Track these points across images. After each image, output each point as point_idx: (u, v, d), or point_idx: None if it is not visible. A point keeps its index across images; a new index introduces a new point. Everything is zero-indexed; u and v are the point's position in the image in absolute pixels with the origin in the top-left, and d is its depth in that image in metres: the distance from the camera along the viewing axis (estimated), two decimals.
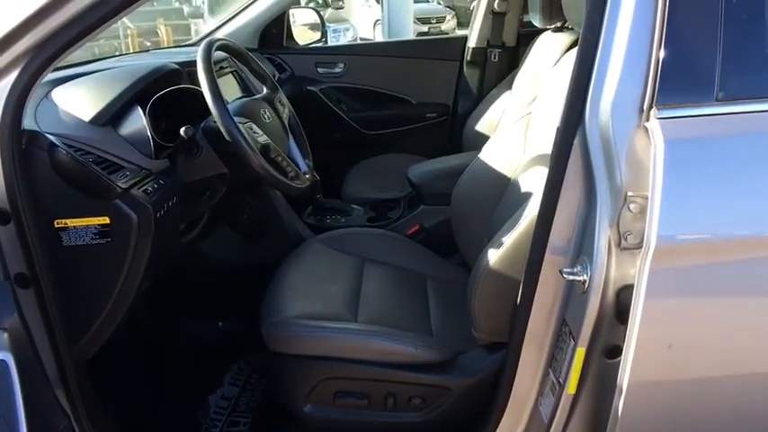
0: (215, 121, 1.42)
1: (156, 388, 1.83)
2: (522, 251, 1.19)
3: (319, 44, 3.27)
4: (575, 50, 1.06)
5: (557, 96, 1.53)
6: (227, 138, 1.41)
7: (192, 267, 2.05)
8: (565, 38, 2.13)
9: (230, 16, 2.83)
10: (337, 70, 3.06)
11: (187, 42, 3.04)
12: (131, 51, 6.20)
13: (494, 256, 1.32)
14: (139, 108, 1.42)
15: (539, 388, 1.24)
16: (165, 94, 1.52)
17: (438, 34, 10.14)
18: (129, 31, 9.05)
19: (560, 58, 1.98)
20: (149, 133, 1.40)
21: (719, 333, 1.02)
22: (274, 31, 2.91)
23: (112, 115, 1.38)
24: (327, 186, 2.47)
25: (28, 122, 1.19)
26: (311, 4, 7.52)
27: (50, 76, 1.42)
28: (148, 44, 8.96)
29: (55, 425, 1.17)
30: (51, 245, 1.19)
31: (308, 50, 3.12)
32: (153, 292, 1.66)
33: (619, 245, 0.99)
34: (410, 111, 3.07)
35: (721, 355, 1.03)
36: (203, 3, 8.82)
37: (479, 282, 1.35)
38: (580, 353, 1.07)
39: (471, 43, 2.97)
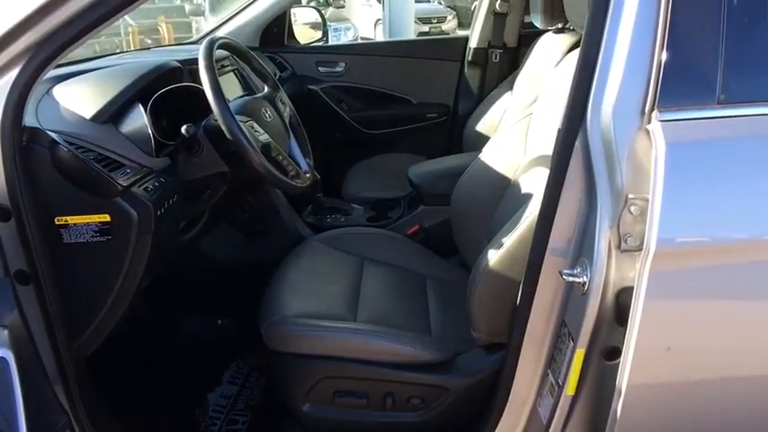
0: (216, 120, 1.42)
1: (156, 386, 1.83)
2: (521, 252, 1.20)
3: (320, 43, 3.27)
4: (576, 52, 1.06)
5: (558, 97, 1.53)
6: (228, 136, 1.41)
7: (192, 266, 2.05)
8: (566, 39, 2.13)
9: (232, 14, 2.83)
10: (338, 69, 3.05)
11: (188, 40, 3.04)
12: (132, 49, 6.20)
13: (493, 256, 1.32)
14: (141, 106, 1.42)
15: (537, 389, 1.24)
16: (167, 92, 1.52)
17: (439, 34, 10.14)
18: (130, 29, 9.05)
19: (562, 60, 1.98)
20: (150, 131, 1.40)
21: (719, 336, 1.02)
22: (275, 29, 2.91)
23: (114, 113, 1.38)
24: (328, 185, 2.47)
25: (29, 119, 1.19)
26: (312, 3, 7.52)
27: (52, 73, 1.41)
28: (149, 42, 8.96)
29: (54, 422, 1.17)
30: (52, 242, 1.19)
31: (309, 49, 3.12)
32: (153, 290, 1.66)
33: (619, 247, 0.99)
34: (411, 111, 3.07)
35: (720, 357, 1.03)
36: (205, 1, 8.81)
37: (479, 282, 1.35)
38: (579, 354, 1.07)
39: (472, 44, 2.97)
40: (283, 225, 2.19)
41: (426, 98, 3.07)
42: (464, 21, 10.80)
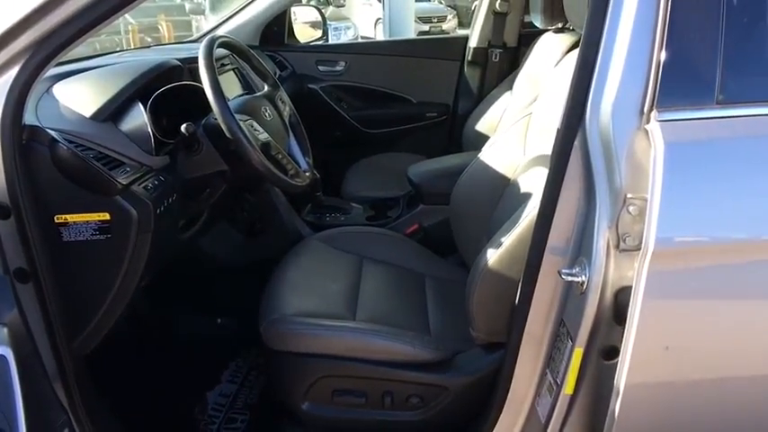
0: (216, 118, 1.42)
1: (155, 384, 1.83)
2: (520, 251, 1.20)
3: (320, 42, 3.27)
4: (576, 51, 1.06)
5: (557, 97, 1.53)
6: (227, 135, 1.41)
7: (192, 264, 2.05)
8: (566, 39, 2.13)
9: (232, 13, 2.83)
10: (338, 68, 3.06)
11: (188, 39, 3.04)
12: (132, 47, 6.20)
13: (492, 256, 1.32)
14: (140, 104, 1.42)
15: (536, 388, 1.24)
16: (167, 90, 1.52)
17: (439, 33, 10.14)
18: (130, 27, 9.04)
19: (561, 59, 1.98)
20: (150, 129, 1.40)
21: (717, 335, 1.02)
22: (276, 28, 2.91)
23: (113, 111, 1.38)
24: (327, 184, 2.47)
25: (29, 117, 1.19)
26: (312, 2, 7.51)
27: (52, 71, 1.41)
28: (149, 40, 8.95)
29: (54, 420, 1.17)
30: (51, 240, 1.19)
31: (309, 48, 3.12)
32: (152, 289, 1.66)
33: (617, 246, 0.99)
34: (410, 110, 3.07)
35: (719, 357, 1.04)
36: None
37: (478, 281, 1.35)
38: (578, 353, 1.07)
39: (472, 43, 2.97)
40: (283, 224, 2.19)
41: (426, 97, 3.07)
42: (464, 20, 10.79)
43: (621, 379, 1.01)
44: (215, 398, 1.90)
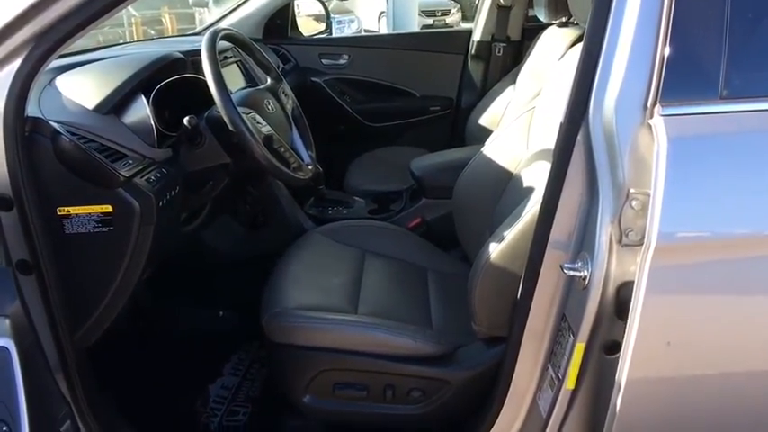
0: (218, 111, 1.42)
1: (157, 377, 1.84)
2: (523, 246, 1.19)
3: (324, 35, 3.26)
4: (579, 46, 1.06)
5: (561, 91, 1.52)
6: (230, 128, 1.41)
7: (194, 257, 2.05)
8: (570, 33, 2.12)
9: (235, 6, 2.83)
10: (341, 62, 3.05)
11: (192, 32, 3.03)
12: (135, 40, 6.19)
13: (495, 250, 1.32)
14: (143, 97, 1.42)
15: (537, 382, 1.24)
16: (169, 83, 1.52)
17: (443, 27, 10.11)
18: (133, 20, 9.04)
19: (565, 53, 1.97)
20: (153, 122, 1.40)
21: (719, 330, 1.02)
22: (279, 21, 2.91)
23: (116, 104, 1.38)
24: (330, 178, 2.47)
25: (31, 109, 1.19)
26: None
27: (55, 63, 1.41)
28: (153, 33, 8.95)
29: (55, 411, 1.17)
30: (54, 232, 1.19)
31: (312, 42, 3.12)
32: (154, 282, 1.66)
33: (620, 241, 0.99)
34: (414, 104, 3.06)
35: (721, 352, 1.03)
36: None
37: (480, 276, 1.35)
38: (579, 348, 1.07)
39: (476, 37, 2.96)
40: (285, 217, 2.19)
41: (429, 91, 3.06)
42: (468, 14, 10.75)
43: (623, 374, 1.01)
44: (217, 390, 1.90)
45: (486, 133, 2.17)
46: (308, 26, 3.18)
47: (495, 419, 1.30)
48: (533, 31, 2.62)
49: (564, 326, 1.13)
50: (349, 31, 7.84)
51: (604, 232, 0.99)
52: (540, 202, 1.11)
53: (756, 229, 0.96)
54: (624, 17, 0.96)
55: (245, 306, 1.73)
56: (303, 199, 2.35)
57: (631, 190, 0.97)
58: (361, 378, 1.45)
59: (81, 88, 1.36)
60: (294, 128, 1.81)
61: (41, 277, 1.15)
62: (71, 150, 1.18)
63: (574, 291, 1.10)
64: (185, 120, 1.43)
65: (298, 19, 3.08)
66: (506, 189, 1.64)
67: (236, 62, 2.14)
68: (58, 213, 1.21)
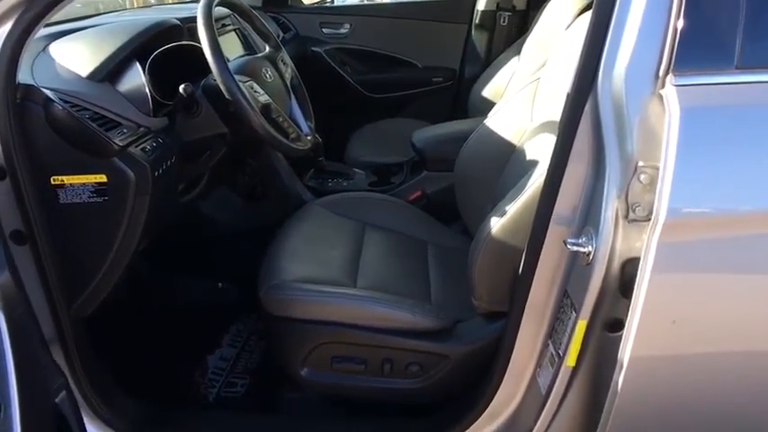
0: (215, 79, 1.39)
1: (155, 348, 1.84)
2: (525, 220, 1.17)
3: (325, 4, 3.21)
4: (588, 14, 1.02)
5: (568, 61, 1.48)
6: (226, 96, 1.38)
7: (192, 228, 2.03)
8: (578, 1, 2.07)
9: None
10: (343, 31, 3.00)
11: None
12: (135, 6, 6.09)
13: (496, 224, 1.29)
14: (138, 64, 1.39)
15: (537, 359, 1.23)
16: (166, 50, 1.49)
17: None
18: None
19: (573, 22, 1.92)
20: (148, 90, 1.37)
21: (726, 309, 0.99)
22: None
23: (110, 71, 1.35)
24: (330, 149, 2.44)
25: (23, 76, 1.16)
26: None
27: (49, 30, 1.38)
28: (153, 0, 8.82)
29: (49, 382, 1.16)
30: (48, 202, 1.18)
31: (313, 10, 3.07)
32: (152, 253, 1.65)
33: (626, 216, 0.96)
34: (416, 74, 3.02)
35: (727, 331, 1.01)
36: None
37: (481, 250, 1.33)
38: (581, 325, 1.05)
39: (480, 6, 2.91)
40: (284, 188, 2.17)
41: (432, 62, 3.02)
42: None
43: (625, 352, 0.99)
44: (215, 362, 1.90)
45: (489, 105, 2.13)
46: None
47: (494, 395, 1.29)
48: (540, 0, 2.57)
49: (566, 302, 1.11)
50: None
51: (610, 207, 0.96)
52: (545, 174, 1.08)
53: None
54: None
55: (244, 278, 1.72)
56: (303, 170, 2.33)
57: (640, 163, 0.94)
58: (359, 352, 1.44)
59: (74, 55, 1.33)
60: (293, 97, 1.78)
61: (36, 248, 1.14)
62: (64, 118, 1.16)
63: (577, 267, 1.08)
64: (181, 87, 1.41)
65: None
66: (509, 162, 1.61)
67: (234, 30, 2.10)
68: (52, 183, 1.19)
